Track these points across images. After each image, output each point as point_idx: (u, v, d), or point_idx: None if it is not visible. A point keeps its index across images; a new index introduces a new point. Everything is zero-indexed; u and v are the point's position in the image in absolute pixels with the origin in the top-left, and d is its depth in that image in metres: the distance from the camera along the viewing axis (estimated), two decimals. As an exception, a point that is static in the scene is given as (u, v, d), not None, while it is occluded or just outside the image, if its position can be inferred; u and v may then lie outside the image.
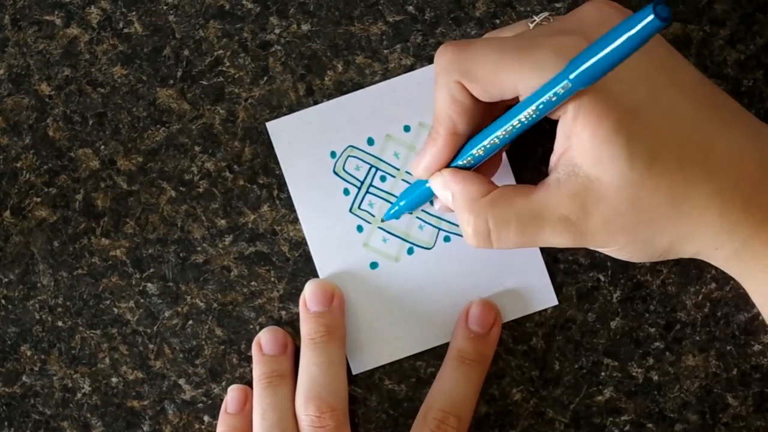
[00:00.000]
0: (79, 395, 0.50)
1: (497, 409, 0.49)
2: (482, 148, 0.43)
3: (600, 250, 0.43)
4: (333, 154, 0.50)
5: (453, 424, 0.47)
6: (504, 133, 0.41)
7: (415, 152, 0.50)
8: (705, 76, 0.43)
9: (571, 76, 0.37)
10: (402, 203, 0.49)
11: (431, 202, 0.49)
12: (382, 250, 0.50)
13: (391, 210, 0.50)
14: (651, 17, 0.33)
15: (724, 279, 0.49)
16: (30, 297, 0.50)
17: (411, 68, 0.50)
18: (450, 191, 0.44)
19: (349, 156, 0.50)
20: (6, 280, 0.50)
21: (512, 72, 0.40)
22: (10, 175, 0.50)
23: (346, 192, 0.50)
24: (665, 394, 0.49)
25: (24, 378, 0.50)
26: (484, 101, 0.42)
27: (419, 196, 0.48)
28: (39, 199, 0.50)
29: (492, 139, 0.42)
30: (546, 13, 0.44)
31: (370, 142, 0.50)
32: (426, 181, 0.46)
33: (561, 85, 0.38)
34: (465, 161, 0.44)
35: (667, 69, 0.41)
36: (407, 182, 0.50)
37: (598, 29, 0.39)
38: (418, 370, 0.50)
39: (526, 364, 0.50)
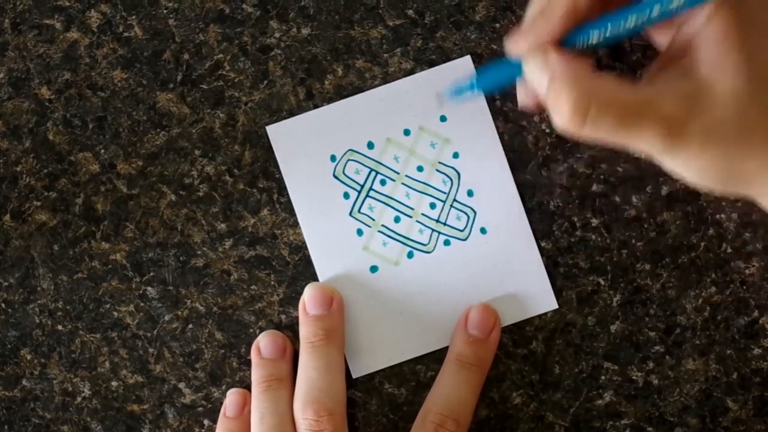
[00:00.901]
0: (79, 399, 0.50)
1: (497, 412, 0.49)
2: (600, 36, 0.40)
3: (683, 168, 0.41)
4: (333, 158, 0.50)
5: (451, 427, 0.47)
6: (633, 24, 0.40)
7: (415, 156, 0.50)
8: None
9: None
10: (476, 80, 0.45)
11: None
12: (381, 253, 0.50)
13: (458, 87, 0.47)
14: None
15: (724, 283, 0.49)
16: (30, 301, 0.50)
17: (411, 72, 0.50)
18: (551, 71, 0.41)
19: (349, 160, 0.50)
20: (6, 283, 0.50)
21: None
22: (10, 179, 0.51)
23: (346, 196, 0.50)
24: (665, 398, 0.49)
25: (24, 382, 0.50)
26: None
27: (501, 76, 0.44)
28: (39, 203, 0.50)
29: (617, 28, 0.40)
30: None
31: (370, 145, 0.50)
32: (513, 63, 0.42)
33: None
34: (576, 46, 0.41)
35: None
36: (407, 186, 0.50)
37: None
38: (418, 373, 0.50)
39: (526, 368, 0.50)
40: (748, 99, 0.39)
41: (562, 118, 0.40)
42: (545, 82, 0.40)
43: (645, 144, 0.40)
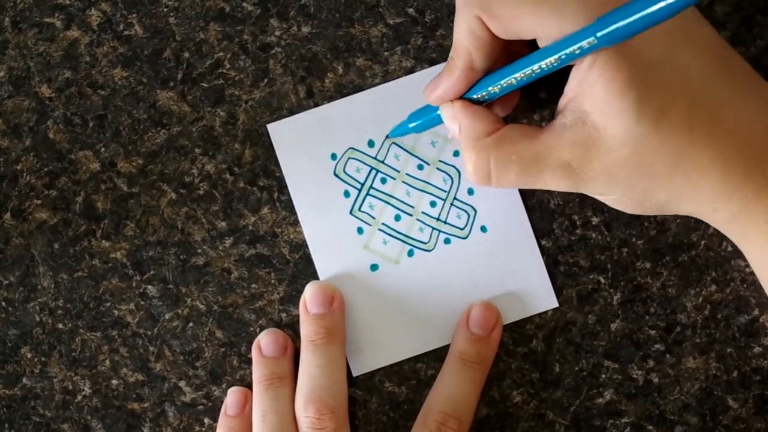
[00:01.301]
0: (79, 397, 0.50)
1: (497, 411, 0.49)
2: (498, 86, 0.43)
3: (597, 197, 0.43)
4: (333, 156, 0.50)
5: (453, 426, 0.47)
6: (522, 75, 0.41)
7: (415, 155, 0.50)
8: (723, 39, 0.43)
9: (599, 34, 0.37)
10: (411, 125, 0.48)
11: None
12: (382, 252, 0.50)
13: (398, 128, 0.49)
14: None
15: (724, 281, 0.49)
16: (30, 299, 0.50)
17: (411, 70, 0.50)
18: (458, 124, 0.44)
19: (349, 158, 0.50)
20: (6, 282, 0.50)
21: (532, 14, 0.40)
22: (10, 177, 0.50)
23: (347, 194, 0.50)
24: (665, 397, 0.49)
25: (24, 380, 0.50)
26: (502, 38, 0.42)
27: (429, 121, 0.47)
28: (39, 202, 0.50)
29: (509, 80, 0.42)
30: None
31: (371, 144, 0.50)
32: (437, 108, 0.46)
33: (587, 40, 0.38)
34: (479, 96, 0.44)
35: (686, 27, 0.41)
36: (408, 184, 0.50)
37: None
38: (419, 372, 0.50)
39: (527, 367, 0.50)
40: (642, 138, 0.40)
41: (469, 176, 0.43)
42: (456, 132, 0.44)
43: (551, 187, 0.42)
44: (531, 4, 0.40)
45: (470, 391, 0.48)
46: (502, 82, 0.42)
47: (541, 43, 0.41)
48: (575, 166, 0.41)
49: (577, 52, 0.38)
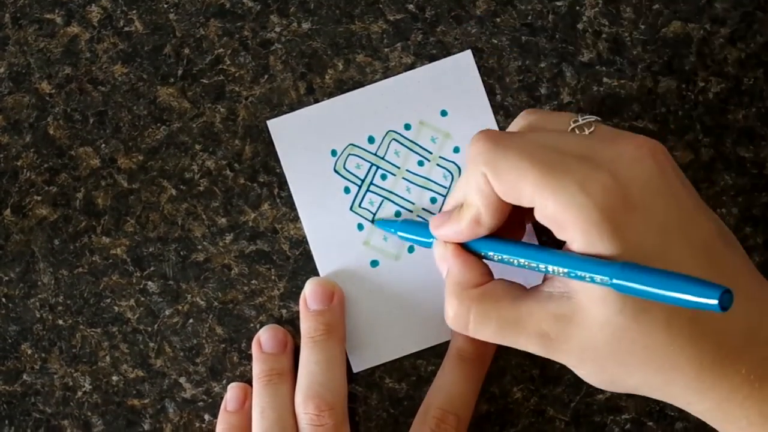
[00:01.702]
0: (79, 394, 0.50)
1: (497, 407, 0.49)
2: (498, 257, 0.43)
3: (569, 367, 0.43)
4: (334, 153, 0.50)
5: (452, 422, 0.47)
6: (526, 263, 0.41)
7: (415, 151, 0.50)
8: (722, 227, 0.42)
9: (615, 281, 0.37)
10: (401, 233, 0.49)
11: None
12: (382, 248, 0.50)
13: (387, 225, 0.50)
14: (715, 302, 0.34)
15: (724, 277, 0.49)
16: (30, 295, 0.50)
17: (411, 66, 0.50)
18: (446, 267, 0.44)
19: (349, 154, 0.50)
20: (6, 278, 0.50)
21: (533, 186, 0.39)
22: (10, 173, 0.51)
23: (347, 190, 0.50)
24: (666, 393, 0.49)
25: (24, 376, 0.50)
26: (505, 201, 0.42)
27: (419, 242, 0.48)
28: (39, 198, 0.50)
29: (511, 258, 0.42)
30: (592, 118, 0.43)
31: (371, 140, 0.50)
32: (432, 237, 0.46)
33: (601, 277, 0.38)
34: (478, 253, 0.44)
35: (682, 223, 0.40)
36: (408, 180, 0.50)
37: (630, 168, 0.39)
38: (419, 368, 0.50)
39: (527, 363, 0.50)
40: (621, 328, 0.39)
41: (447, 320, 0.44)
42: (444, 273, 0.45)
43: (527, 349, 0.42)
44: (533, 176, 0.39)
45: (469, 388, 0.48)
46: (504, 256, 0.42)
47: (537, 214, 0.40)
48: (553, 337, 0.41)
49: (587, 278, 0.38)
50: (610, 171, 0.39)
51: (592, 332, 0.40)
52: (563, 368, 0.49)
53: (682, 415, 0.49)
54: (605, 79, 0.50)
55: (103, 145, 0.50)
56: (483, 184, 0.41)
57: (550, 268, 0.40)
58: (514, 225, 0.44)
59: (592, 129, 0.42)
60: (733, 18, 0.50)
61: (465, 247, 0.44)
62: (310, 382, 0.47)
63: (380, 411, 0.50)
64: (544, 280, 0.42)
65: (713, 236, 0.41)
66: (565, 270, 0.39)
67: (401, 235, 0.49)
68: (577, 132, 0.43)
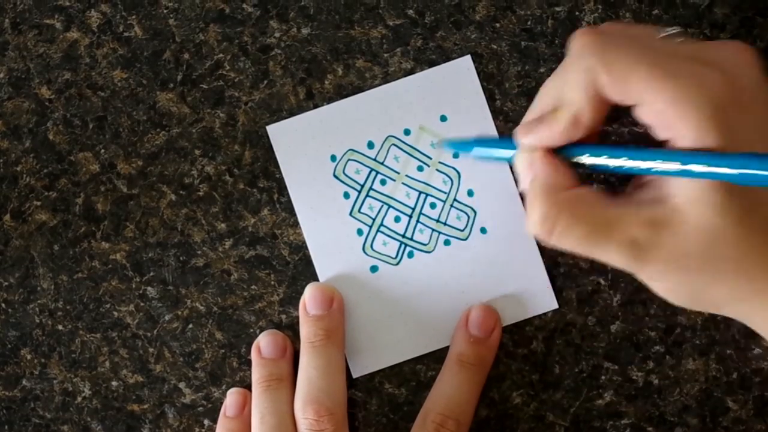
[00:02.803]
0: (79, 399, 0.50)
1: (497, 412, 0.49)
2: (596, 160, 0.41)
3: (650, 283, 0.41)
4: (333, 158, 0.50)
5: (452, 427, 0.47)
6: (630, 164, 0.40)
7: (415, 156, 0.50)
8: None
9: (744, 171, 0.36)
10: (476, 149, 0.46)
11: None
12: (382, 253, 0.50)
13: (458, 145, 0.48)
14: None
15: (724, 283, 0.49)
16: (30, 301, 0.50)
17: (411, 72, 0.50)
18: (532, 174, 0.42)
19: (349, 159, 0.50)
20: (6, 283, 0.50)
21: (644, 81, 0.39)
22: (10, 178, 0.51)
23: (347, 195, 0.50)
24: (665, 398, 0.49)
25: (24, 382, 0.50)
26: (609, 97, 0.40)
27: (495, 154, 0.45)
28: (39, 203, 0.50)
29: (615, 161, 0.41)
30: (677, 29, 0.42)
31: (370, 145, 0.50)
32: (512, 146, 0.44)
33: (726, 169, 0.37)
34: (568, 159, 0.42)
35: None
36: (407, 186, 0.50)
37: (740, 70, 0.39)
38: (418, 373, 0.50)
39: (527, 368, 0.50)
40: (721, 232, 0.39)
41: (532, 226, 0.41)
42: (527, 182, 0.42)
43: (610, 260, 0.41)
44: (646, 70, 0.38)
45: (469, 393, 0.48)
46: (604, 159, 0.41)
47: (642, 111, 0.39)
48: (644, 244, 0.40)
49: (706, 172, 0.37)
50: (721, 70, 0.39)
51: (687, 237, 0.39)
52: (563, 373, 0.49)
53: (682, 420, 0.49)
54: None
55: (103, 151, 0.50)
56: (588, 78, 0.40)
57: (661, 166, 0.38)
58: (592, 137, 0.43)
59: (681, 40, 0.41)
60: (733, 23, 0.50)
61: (554, 153, 0.42)
62: (310, 388, 0.47)
63: (380, 416, 0.50)
64: (635, 187, 0.41)
65: None
66: (678, 166, 0.38)
67: (478, 153, 0.46)
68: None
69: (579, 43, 0.41)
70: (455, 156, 0.49)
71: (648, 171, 0.39)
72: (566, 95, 0.41)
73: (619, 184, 0.49)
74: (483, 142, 0.47)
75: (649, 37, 0.42)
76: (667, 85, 0.38)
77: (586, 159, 0.42)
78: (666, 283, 0.41)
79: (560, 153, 0.42)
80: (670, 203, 0.39)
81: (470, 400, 0.48)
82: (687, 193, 0.39)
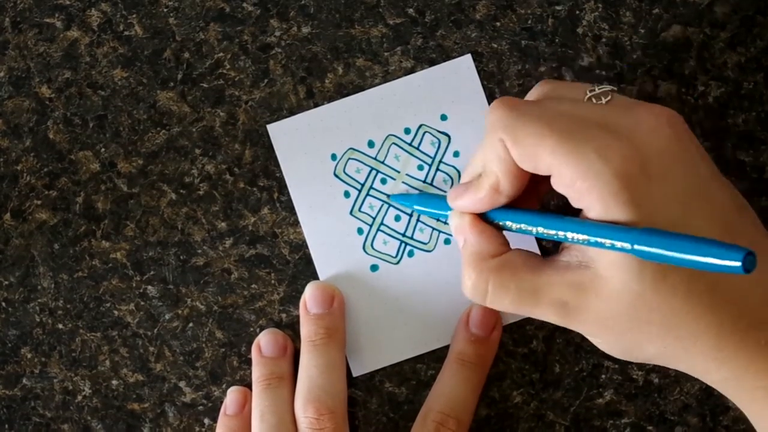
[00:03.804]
0: (79, 398, 0.50)
1: (497, 411, 0.49)
2: (518, 226, 0.43)
3: (588, 337, 0.43)
4: (333, 157, 0.50)
5: (452, 426, 0.47)
6: (544, 232, 0.41)
7: (415, 155, 0.50)
8: (738, 196, 0.42)
9: (636, 247, 0.37)
10: (416, 207, 0.49)
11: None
12: (382, 252, 0.50)
13: (403, 198, 0.50)
14: (738, 263, 0.33)
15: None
16: (30, 299, 0.50)
17: (411, 71, 0.50)
18: (464, 238, 0.44)
19: (349, 158, 0.50)
20: (6, 282, 0.50)
21: (551, 153, 0.39)
22: (10, 177, 0.51)
23: (347, 194, 0.50)
24: (666, 397, 0.49)
25: (24, 380, 0.50)
26: (524, 168, 0.41)
27: (436, 215, 0.48)
28: (39, 202, 0.50)
29: (530, 228, 0.42)
30: (608, 87, 0.43)
31: (371, 144, 0.50)
32: (448, 207, 0.45)
33: (623, 243, 0.37)
34: (496, 224, 0.44)
35: (700, 191, 0.40)
36: (408, 185, 0.50)
37: (648, 137, 0.39)
38: (419, 372, 0.50)
39: (527, 367, 0.50)
40: (640, 295, 0.39)
41: (466, 291, 0.43)
42: (460, 245, 0.44)
43: (546, 319, 0.42)
44: (551, 143, 0.39)
45: (469, 392, 0.48)
46: (522, 225, 0.42)
47: (554, 182, 0.40)
48: (571, 306, 0.41)
49: (608, 245, 0.38)
50: (629, 139, 0.39)
51: (610, 300, 0.40)
52: (563, 372, 0.49)
53: (682, 419, 0.49)
54: (605, 84, 0.50)
55: (103, 150, 0.50)
56: (501, 150, 0.41)
57: (570, 235, 0.40)
58: (530, 197, 0.44)
59: (608, 98, 0.42)
60: (733, 22, 0.50)
61: (482, 218, 0.44)
62: (310, 386, 0.47)
63: (380, 415, 0.50)
64: (561, 249, 0.42)
65: (730, 204, 0.41)
66: (585, 237, 0.39)
67: (417, 209, 0.49)
68: (594, 101, 0.42)
69: (492, 117, 0.42)
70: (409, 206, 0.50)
71: (565, 239, 0.40)
72: (487, 165, 0.42)
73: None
74: (423, 201, 0.49)
75: (571, 100, 0.42)
76: (572, 159, 0.39)
77: (510, 224, 0.43)
78: (599, 340, 0.42)
79: (487, 217, 0.44)
80: (592, 268, 0.40)
81: (470, 398, 0.48)
82: (606, 259, 0.39)
